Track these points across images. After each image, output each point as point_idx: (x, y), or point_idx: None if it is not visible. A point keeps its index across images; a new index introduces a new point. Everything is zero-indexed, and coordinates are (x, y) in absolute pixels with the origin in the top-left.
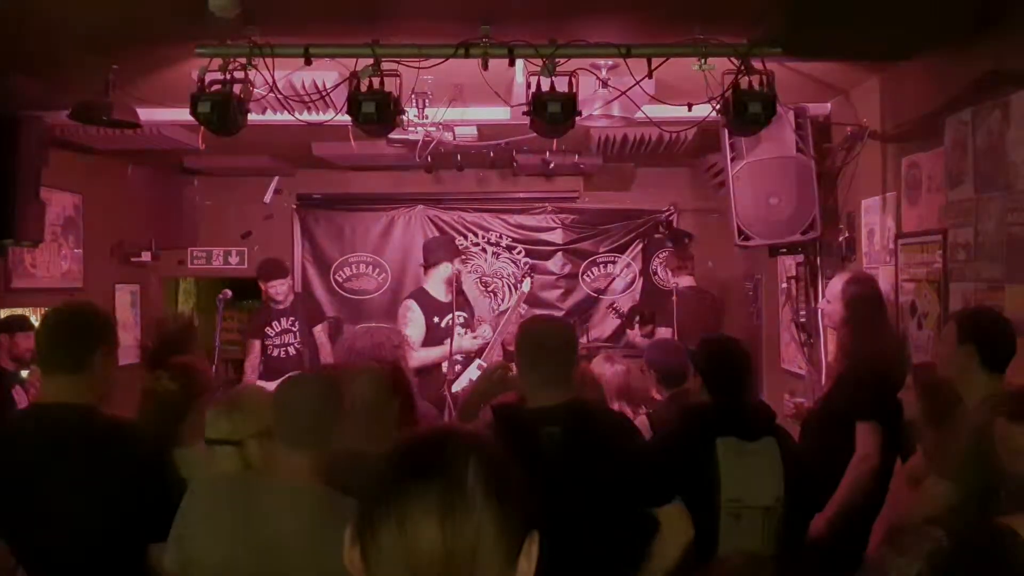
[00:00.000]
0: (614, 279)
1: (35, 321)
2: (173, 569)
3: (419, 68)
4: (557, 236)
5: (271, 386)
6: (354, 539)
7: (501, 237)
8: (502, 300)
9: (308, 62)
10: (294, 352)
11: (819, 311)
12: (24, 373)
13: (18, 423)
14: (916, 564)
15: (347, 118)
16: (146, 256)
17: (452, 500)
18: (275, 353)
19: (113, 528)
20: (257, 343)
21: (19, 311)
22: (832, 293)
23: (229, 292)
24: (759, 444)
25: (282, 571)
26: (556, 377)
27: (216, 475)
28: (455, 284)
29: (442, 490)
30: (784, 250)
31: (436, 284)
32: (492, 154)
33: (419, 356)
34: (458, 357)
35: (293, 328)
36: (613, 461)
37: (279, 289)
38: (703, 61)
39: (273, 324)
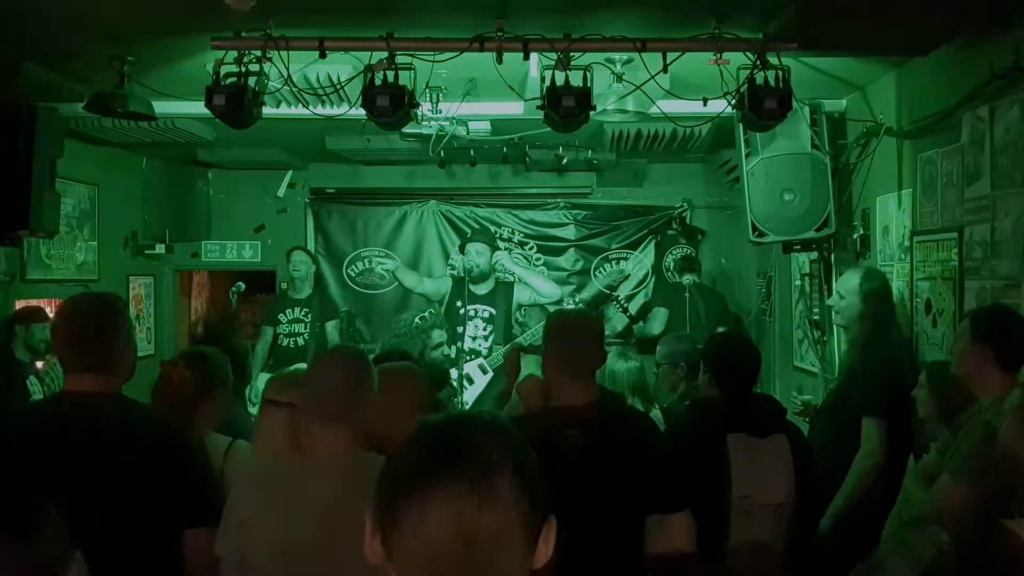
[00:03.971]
0: (627, 276)
1: (50, 312)
2: (229, 555)
3: (433, 62)
4: (569, 232)
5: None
6: (375, 528)
7: (513, 233)
8: None
9: (323, 55)
10: (302, 343)
11: (830, 308)
12: (39, 364)
13: (44, 410)
14: (916, 572)
15: (361, 112)
16: (160, 248)
17: (476, 486)
18: (284, 343)
19: (144, 514)
20: (271, 330)
21: (34, 302)
22: (847, 288)
23: (243, 285)
24: (770, 440)
25: (337, 534)
26: (582, 371)
27: (261, 463)
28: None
29: (466, 476)
30: (798, 247)
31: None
32: (505, 149)
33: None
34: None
35: (305, 319)
36: (632, 467)
37: (302, 258)
38: (719, 56)
39: (286, 311)
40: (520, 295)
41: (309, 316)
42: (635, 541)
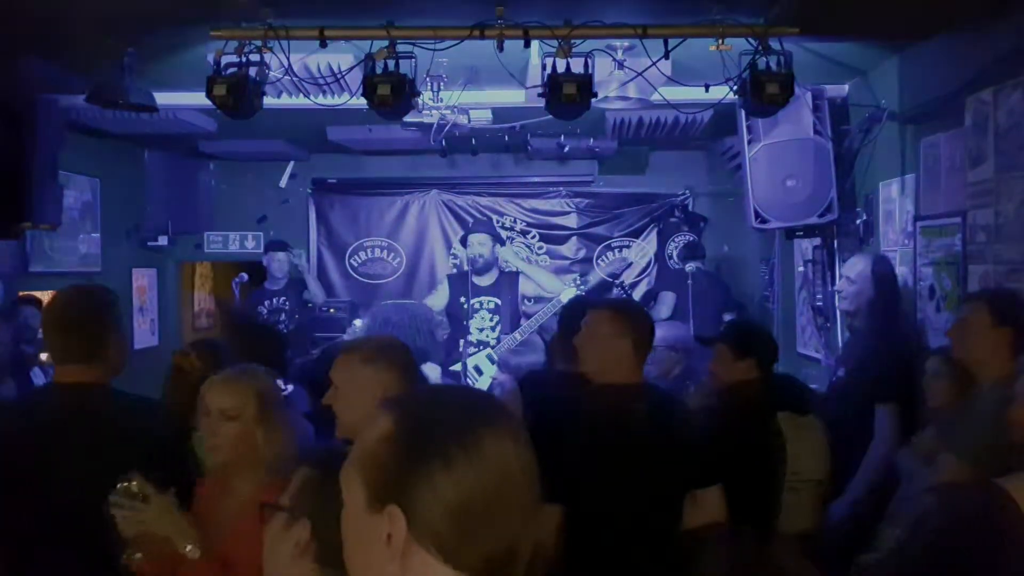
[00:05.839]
0: (629, 264)
1: None
2: None
3: (434, 50)
4: (571, 220)
5: None
6: (395, 514)
7: (515, 221)
8: None
9: (323, 45)
10: (284, 332)
11: (836, 293)
12: (43, 356)
13: (33, 402)
14: (898, 531)
15: (362, 101)
16: (163, 240)
17: (519, 432)
18: None
19: None
20: None
21: (38, 294)
22: (858, 273)
23: (245, 276)
24: (809, 419)
25: None
26: (646, 352)
27: None
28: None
29: (508, 423)
30: (801, 233)
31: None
32: (507, 138)
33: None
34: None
35: (284, 307)
36: (681, 441)
37: (280, 257)
38: (720, 41)
39: (266, 303)
40: (525, 287)
41: (287, 304)
42: (680, 510)
